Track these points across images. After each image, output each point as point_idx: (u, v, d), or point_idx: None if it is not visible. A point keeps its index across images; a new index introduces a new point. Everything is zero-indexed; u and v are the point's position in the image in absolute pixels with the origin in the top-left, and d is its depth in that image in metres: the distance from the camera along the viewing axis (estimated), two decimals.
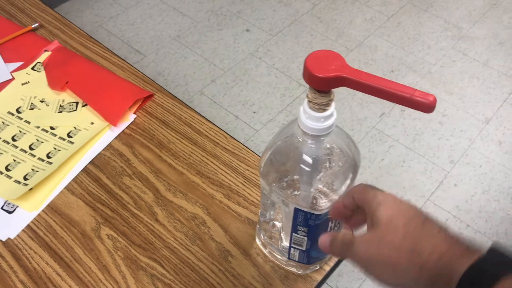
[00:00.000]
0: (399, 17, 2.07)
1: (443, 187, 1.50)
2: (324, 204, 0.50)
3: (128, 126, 0.73)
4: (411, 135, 1.64)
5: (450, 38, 1.99)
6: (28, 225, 0.62)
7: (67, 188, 0.66)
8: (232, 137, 0.72)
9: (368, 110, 1.71)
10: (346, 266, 1.32)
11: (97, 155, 0.69)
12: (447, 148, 1.60)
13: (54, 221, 0.63)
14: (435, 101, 0.36)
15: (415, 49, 1.94)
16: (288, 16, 2.06)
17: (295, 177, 0.50)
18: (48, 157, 0.68)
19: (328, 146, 0.48)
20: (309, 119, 0.43)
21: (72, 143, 0.70)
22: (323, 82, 0.39)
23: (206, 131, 0.72)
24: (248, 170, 0.68)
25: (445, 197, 1.48)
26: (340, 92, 1.75)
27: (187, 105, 0.76)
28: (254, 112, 1.69)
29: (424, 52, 1.93)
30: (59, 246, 0.60)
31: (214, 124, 0.73)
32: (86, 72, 0.78)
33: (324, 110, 0.42)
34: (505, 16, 2.08)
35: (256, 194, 0.65)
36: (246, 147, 0.71)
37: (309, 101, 0.42)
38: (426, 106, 0.36)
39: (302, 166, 0.48)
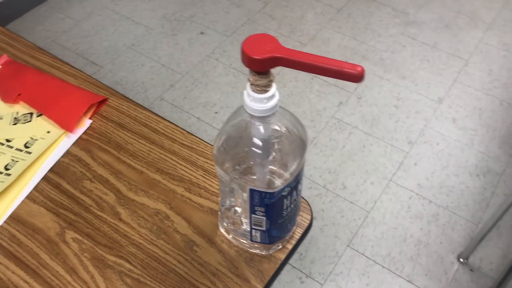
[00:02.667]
0: (348, 9, 2.13)
1: (403, 167, 1.55)
2: (279, 183, 0.52)
3: (85, 131, 0.73)
4: (369, 120, 1.69)
5: (398, 24, 2.06)
6: None
7: (28, 197, 0.66)
8: (189, 132, 0.73)
9: (326, 100, 1.75)
10: (318, 252, 1.35)
11: (56, 162, 0.70)
12: (404, 130, 1.66)
13: (17, 230, 0.63)
14: (363, 71, 0.39)
15: (366, 38, 2.00)
16: (241, 16, 2.09)
17: (248, 160, 0.52)
18: (6, 169, 0.68)
19: (276, 127, 0.50)
20: (253, 101, 0.45)
21: (29, 153, 0.70)
22: (260, 63, 0.42)
23: (163, 129, 0.74)
24: (207, 162, 0.70)
25: (406, 177, 1.53)
26: (298, 86, 1.78)
27: (142, 106, 0.77)
28: (216, 113, 1.71)
29: (375, 40, 1.99)
30: (25, 254, 0.61)
31: (170, 122, 0.75)
32: (38, 83, 0.78)
33: (265, 91, 0.45)
34: (448, 0, 2.17)
35: (217, 184, 0.67)
36: (204, 141, 0.73)
37: (251, 84, 0.45)
38: (355, 76, 0.39)
39: (253, 148, 0.50)
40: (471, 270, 1.33)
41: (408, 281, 1.31)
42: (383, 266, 1.33)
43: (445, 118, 1.69)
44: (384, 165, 1.56)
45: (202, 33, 2.01)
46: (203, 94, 1.77)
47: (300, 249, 1.36)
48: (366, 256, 1.35)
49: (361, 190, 1.48)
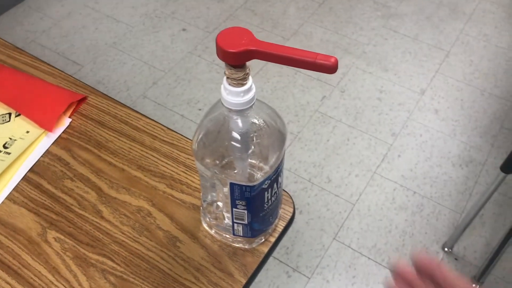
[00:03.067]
0: (330, 3, 2.13)
1: (387, 159, 1.57)
2: (258, 175, 0.52)
3: (65, 130, 0.73)
4: (353, 114, 1.70)
5: (380, 17, 2.07)
6: None
7: (8, 198, 0.66)
8: (169, 128, 0.73)
9: (310, 95, 1.75)
10: (305, 246, 1.36)
11: (36, 162, 0.69)
12: (387, 122, 1.67)
13: None
14: (336, 61, 0.39)
15: (348, 32, 2.01)
16: (223, 12, 2.08)
17: (228, 154, 0.52)
18: None
19: (254, 121, 0.50)
20: (230, 94, 0.45)
21: (8, 153, 0.70)
22: (235, 56, 0.42)
23: (144, 126, 0.74)
24: (188, 158, 0.70)
25: (390, 169, 1.54)
26: (281, 81, 1.79)
27: (122, 103, 0.77)
28: (200, 109, 1.71)
29: (357, 33, 2.00)
30: (6, 255, 0.60)
31: (150, 119, 0.75)
32: (16, 82, 0.77)
33: (242, 84, 0.45)
34: None
35: (199, 180, 0.67)
36: (185, 137, 0.73)
37: (227, 77, 0.45)
38: (328, 67, 0.39)
39: (232, 142, 0.50)
40: (456, 259, 1.35)
41: None
42: (369, 258, 1.35)
43: (427, 110, 1.71)
44: (368, 157, 1.57)
45: (184, 29, 2.00)
46: (186, 91, 1.77)
47: (286, 243, 1.37)
48: (352, 249, 1.36)
49: (346, 183, 1.49)
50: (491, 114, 1.71)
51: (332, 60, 0.39)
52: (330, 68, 0.39)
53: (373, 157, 1.57)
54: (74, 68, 1.83)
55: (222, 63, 1.71)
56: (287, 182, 1.49)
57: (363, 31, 2.01)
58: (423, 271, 0.41)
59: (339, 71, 1.84)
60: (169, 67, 1.85)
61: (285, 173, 1.50)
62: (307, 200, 1.46)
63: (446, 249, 1.37)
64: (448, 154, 1.59)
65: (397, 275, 0.43)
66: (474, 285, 1.17)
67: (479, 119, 1.70)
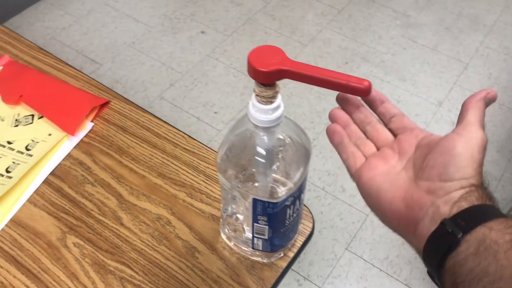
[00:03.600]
0: (349, 10, 2.13)
1: None
2: (281, 192, 0.52)
3: (86, 134, 0.73)
4: None
5: (399, 26, 2.06)
6: None
7: (29, 200, 0.66)
8: (190, 137, 0.73)
9: (326, 102, 1.75)
10: (317, 255, 1.36)
11: (57, 165, 0.70)
12: None
13: (19, 234, 0.63)
14: (369, 85, 0.39)
15: (367, 40, 2.00)
16: (242, 15, 2.08)
17: (251, 169, 0.52)
18: (7, 171, 0.68)
19: (280, 137, 0.50)
20: (258, 112, 0.45)
21: (31, 155, 0.70)
22: (266, 75, 0.41)
23: (165, 133, 0.74)
24: (209, 168, 0.70)
25: None
26: (297, 87, 1.78)
27: (144, 109, 0.77)
28: (215, 113, 1.71)
29: (375, 42, 1.99)
30: (26, 258, 0.61)
31: (172, 126, 0.75)
32: (40, 84, 0.78)
33: (271, 102, 0.45)
34: (449, 2, 2.17)
35: (219, 190, 0.67)
36: (205, 145, 0.73)
37: (256, 95, 0.45)
38: (362, 90, 0.39)
39: (257, 158, 0.50)
40: None
41: (406, 284, 1.31)
42: (381, 270, 1.34)
43: (444, 121, 1.69)
44: None
45: (202, 32, 2.01)
46: (203, 94, 1.77)
47: None
48: (364, 259, 1.36)
49: None
50: (509, 128, 1.70)
51: (366, 83, 0.39)
52: (364, 92, 0.39)
53: None
54: (92, 67, 1.84)
55: (240, 67, 1.72)
56: None
57: (382, 40, 2.00)
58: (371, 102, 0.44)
59: None
60: (187, 69, 1.85)
61: None
62: (321, 209, 1.45)
63: None
64: None
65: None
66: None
67: (496, 133, 1.68)
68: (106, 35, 1.99)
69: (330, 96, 1.76)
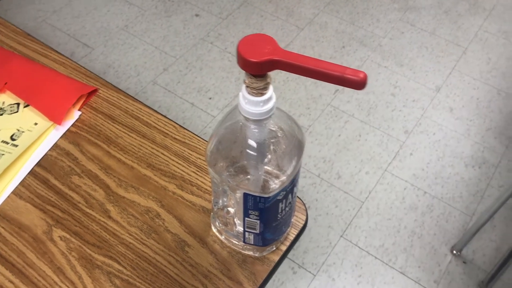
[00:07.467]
0: None
1: (399, 157, 1.54)
2: (274, 185, 0.50)
3: (74, 123, 0.71)
4: (366, 109, 1.67)
5: (397, 10, 2.02)
6: None
7: (14, 192, 0.64)
8: (181, 126, 0.71)
9: (322, 87, 1.72)
10: (311, 242, 1.34)
11: (44, 156, 0.68)
12: (401, 119, 1.64)
13: (3, 227, 0.61)
14: (365, 77, 0.37)
15: (365, 23, 1.96)
16: None
17: (243, 163, 0.50)
18: None
19: (272, 128, 0.48)
20: (249, 104, 0.43)
21: (16, 146, 0.68)
22: (256, 66, 0.39)
23: (155, 123, 0.71)
24: (200, 158, 0.68)
25: (402, 167, 1.52)
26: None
27: (133, 97, 0.74)
28: (210, 98, 1.68)
29: (373, 25, 1.96)
30: (10, 252, 0.59)
31: (162, 115, 0.72)
32: (26, 71, 0.75)
33: (262, 94, 0.42)
34: None
35: (210, 182, 0.65)
36: (197, 135, 0.71)
37: (247, 86, 0.42)
38: (357, 83, 0.36)
39: (248, 151, 0.48)
40: (464, 262, 1.33)
41: (401, 272, 1.30)
42: (376, 257, 1.33)
43: (442, 108, 1.67)
44: (380, 154, 1.54)
45: (197, 15, 1.97)
46: (197, 79, 1.74)
47: None
48: (359, 247, 1.35)
49: (355, 180, 1.46)
50: (507, 114, 1.68)
51: (361, 75, 0.36)
52: (359, 84, 0.36)
53: (385, 154, 1.54)
54: (84, 51, 1.81)
55: (235, 51, 1.69)
56: None
57: (379, 23, 1.97)
58: None
59: (353, 64, 1.80)
60: (181, 54, 1.82)
61: None
62: (316, 196, 1.44)
63: (454, 252, 1.34)
64: (461, 154, 1.56)
65: None
66: None
67: (494, 119, 1.66)
68: (98, 18, 1.95)
69: (326, 82, 1.74)
